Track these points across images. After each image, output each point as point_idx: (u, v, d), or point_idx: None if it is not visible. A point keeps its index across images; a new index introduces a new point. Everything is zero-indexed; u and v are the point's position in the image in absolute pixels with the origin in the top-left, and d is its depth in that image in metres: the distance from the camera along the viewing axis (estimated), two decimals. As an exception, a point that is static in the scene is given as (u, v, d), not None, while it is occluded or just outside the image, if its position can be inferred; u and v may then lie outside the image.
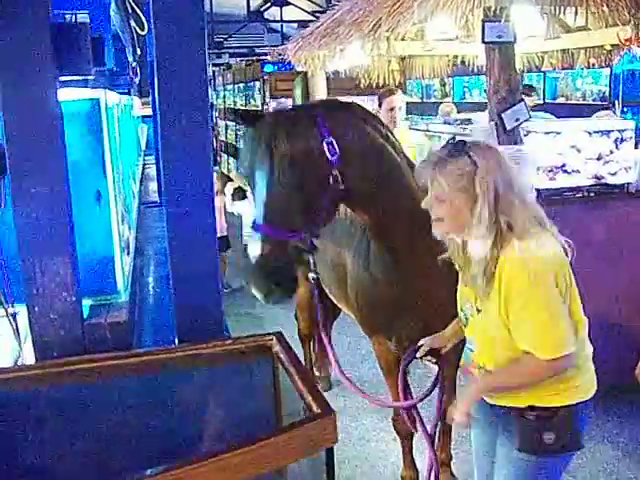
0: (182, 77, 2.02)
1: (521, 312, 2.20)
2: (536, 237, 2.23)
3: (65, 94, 2.02)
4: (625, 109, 8.55)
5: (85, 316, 2.10)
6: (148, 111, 9.64)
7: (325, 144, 2.56)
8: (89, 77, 2.13)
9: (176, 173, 2.02)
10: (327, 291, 3.96)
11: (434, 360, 2.73)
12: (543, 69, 10.00)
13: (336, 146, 2.58)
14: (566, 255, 2.34)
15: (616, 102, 8.53)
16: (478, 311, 2.34)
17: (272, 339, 1.96)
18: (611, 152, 4.83)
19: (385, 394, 4.49)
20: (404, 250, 2.88)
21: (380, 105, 5.55)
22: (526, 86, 9.07)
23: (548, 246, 2.25)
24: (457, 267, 2.45)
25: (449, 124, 6.87)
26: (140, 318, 2.30)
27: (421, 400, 2.85)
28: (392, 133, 3.01)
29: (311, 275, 2.78)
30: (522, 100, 4.91)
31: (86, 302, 2.10)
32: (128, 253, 2.53)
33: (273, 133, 2.46)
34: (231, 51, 21.90)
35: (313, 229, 2.59)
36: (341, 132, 2.65)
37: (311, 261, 2.72)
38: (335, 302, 3.94)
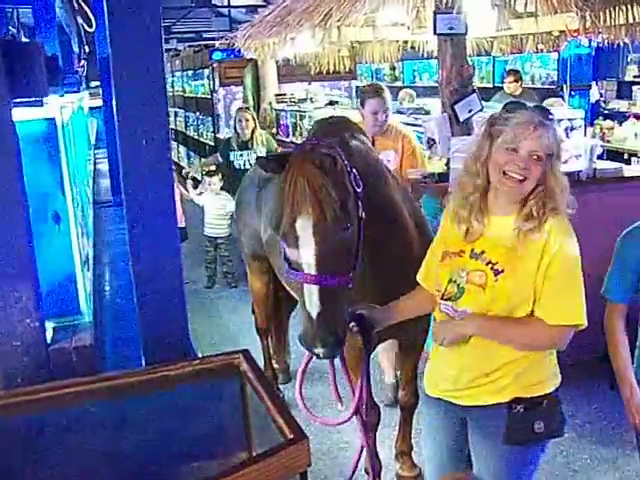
0: (139, 71, 1.99)
1: (565, 276, 2.37)
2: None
3: (19, 114, 1.97)
4: (572, 93, 8.70)
5: (49, 341, 2.07)
6: (97, 102, 9.44)
7: (353, 178, 2.54)
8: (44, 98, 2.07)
9: (136, 182, 1.99)
10: (284, 283, 3.97)
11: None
12: (492, 54, 10.10)
13: (357, 176, 2.57)
14: None
15: (564, 86, 8.66)
16: (497, 273, 2.36)
17: (239, 357, 1.96)
18: (562, 140, 4.91)
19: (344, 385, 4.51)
20: (379, 249, 2.89)
21: (363, 105, 4.77)
22: (512, 71, 9.15)
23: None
24: (462, 233, 2.46)
25: (402, 113, 6.92)
26: (104, 337, 2.27)
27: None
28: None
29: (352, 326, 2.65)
30: (474, 91, 4.96)
31: (48, 324, 2.06)
32: (88, 268, 2.49)
33: (313, 182, 2.37)
34: (179, 36, 21.60)
35: (356, 267, 2.56)
36: (355, 160, 2.66)
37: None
38: (295, 296, 3.95)
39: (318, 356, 2.43)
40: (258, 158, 2.63)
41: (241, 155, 6.89)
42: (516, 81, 8.62)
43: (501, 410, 2.40)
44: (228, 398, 1.98)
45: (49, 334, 2.11)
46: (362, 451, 2.84)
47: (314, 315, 2.36)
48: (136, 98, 2.02)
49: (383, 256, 2.93)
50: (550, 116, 2.34)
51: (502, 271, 2.34)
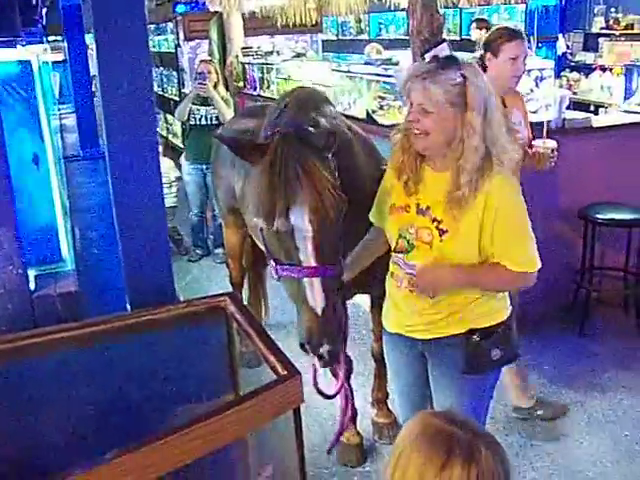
0: (120, 24, 1.95)
1: (514, 230, 2.38)
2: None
3: (-5, 56, 1.92)
4: (540, 44, 8.70)
5: (32, 288, 2.05)
6: (60, 57, 9.23)
7: (333, 164, 2.42)
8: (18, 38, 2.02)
9: (119, 128, 1.96)
10: (254, 238, 3.96)
11: None
12: (460, 6, 10.04)
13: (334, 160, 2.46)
14: None
15: (531, 38, 8.65)
16: (442, 233, 2.36)
17: (225, 300, 1.96)
18: (532, 90, 4.94)
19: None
20: (351, 224, 2.84)
21: (494, 54, 3.74)
22: (479, 19, 9.11)
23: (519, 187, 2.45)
24: (402, 184, 2.46)
25: (371, 64, 6.87)
26: (88, 285, 2.26)
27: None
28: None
29: None
30: (445, 41, 4.93)
31: (30, 272, 2.04)
32: (68, 216, 2.47)
33: (306, 166, 2.26)
34: (140, -11, 21.03)
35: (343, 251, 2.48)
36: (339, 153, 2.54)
37: None
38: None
39: (323, 358, 2.27)
40: (230, 142, 2.46)
41: (198, 110, 6.66)
42: (480, 29, 8.63)
43: (458, 341, 2.47)
44: (215, 341, 1.99)
45: (32, 282, 2.09)
46: (346, 413, 2.87)
47: (319, 311, 2.23)
48: (119, 41, 1.98)
49: (355, 232, 2.78)
50: (454, 67, 2.26)
51: (447, 231, 2.36)
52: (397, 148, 2.47)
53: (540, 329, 5.10)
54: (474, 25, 8.89)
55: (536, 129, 4.32)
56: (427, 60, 2.31)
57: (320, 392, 2.54)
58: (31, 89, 2.27)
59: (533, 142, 4.11)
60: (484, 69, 3.72)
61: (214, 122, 6.51)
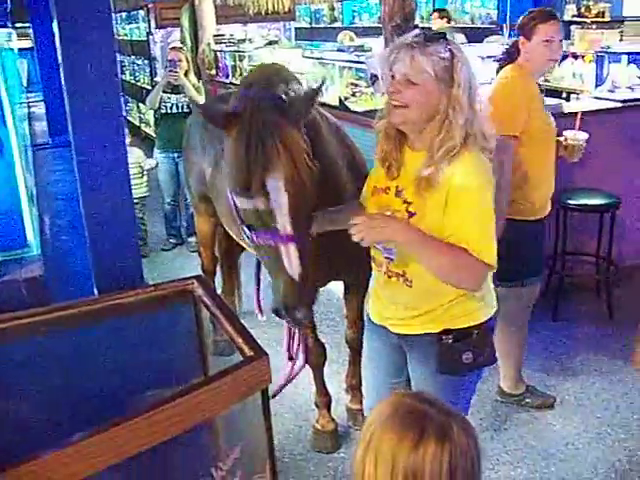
0: (84, 9, 1.91)
1: (476, 211, 2.25)
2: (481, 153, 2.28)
3: (-47, 38, 1.88)
4: (512, 32, 8.73)
5: (-3, 273, 2.02)
6: (27, 43, 9.08)
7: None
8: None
9: (84, 114, 1.93)
10: (225, 226, 3.95)
11: None
12: (432, -7, 10.07)
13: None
14: None
15: (504, 25, 8.70)
16: (411, 215, 2.31)
17: (193, 283, 1.94)
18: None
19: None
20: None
21: (527, 36, 3.53)
22: (438, 9, 9.14)
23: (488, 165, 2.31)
24: (385, 169, 2.41)
25: (343, 51, 6.86)
26: (55, 270, 2.22)
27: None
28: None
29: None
30: (416, 27, 4.93)
31: (-5, 258, 2.01)
32: (34, 205, 2.42)
33: (281, 134, 2.24)
34: (110, -23, 20.79)
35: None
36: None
37: None
38: (236, 238, 3.93)
39: (298, 322, 2.34)
40: (204, 109, 2.44)
41: (169, 97, 6.60)
42: (441, 18, 8.68)
43: (432, 340, 2.41)
44: (183, 324, 1.97)
45: (-4, 267, 2.06)
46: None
47: (296, 277, 2.24)
48: (82, 27, 1.94)
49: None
50: (442, 41, 2.20)
51: (414, 213, 2.30)
52: (381, 137, 2.41)
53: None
54: (435, 15, 8.95)
55: (568, 120, 4.33)
56: (413, 33, 2.24)
57: (291, 357, 2.58)
58: (-8, 70, 2.23)
59: (564, 132, 4.09)
60: (517, 55, 3.64)
61: (185, 110, 6.46)
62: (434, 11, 9.19)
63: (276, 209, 2.23)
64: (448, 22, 8.72)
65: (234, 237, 3.87)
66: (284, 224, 2.24)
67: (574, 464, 3.57)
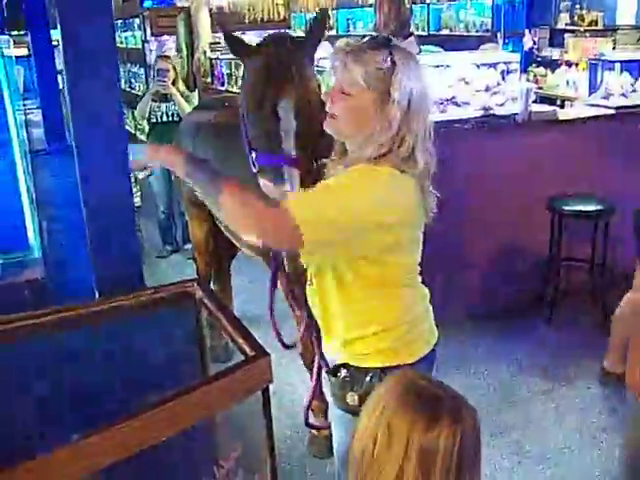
0: (86, 16, 1.93)
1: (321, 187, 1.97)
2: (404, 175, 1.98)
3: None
4: (507, 40, 8.79)
5: (-1, 276, 2.03)
6: (23, 51, 9.08)
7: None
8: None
9: (86, 120, 1.95)
10: (224, 230, 3.97)
11: None
12: (427, 1, 10.13)
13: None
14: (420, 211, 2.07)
15: (498, 34, 8.76)
16: None
17: (193, 285, 1.96)
18: (498, 84, 4.99)
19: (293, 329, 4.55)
20: None
21: None
22: None
23: (404, 190, 2.00)
24: None
25: (339, 59, 6.87)
26: (55, 274, 2.24)
27: None
28: None
29: None
30: (412, 34, 4.99)
31: (-4, 261, 2.02)
32: (35, 208, 2.45)
33: (297, 61, 2.44)
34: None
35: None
36: None
37: None
38: (234, 241, 3.95)
39: None
40: (228, 39, 2.60)
41: (159, 107, 6.61)
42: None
43: (331, 373, 2.20)
44: (183, 326, 1.99)
45: (-2, 269, 2.07)
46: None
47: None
48: (85, 35, 1.96)
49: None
50: (384, 48, 1.95)
51: None
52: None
53: (509, 320, 5.17)
54: None
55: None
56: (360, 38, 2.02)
57: (281, 341, 2.50)
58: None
59: None
60: None
61: (175, 119, 6.46)
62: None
63: (284, 131, 2.35)
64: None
65: (230, 237, 3.90)
66: (290, 147, 2.34)
67: (569, 469, 3.59)
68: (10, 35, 10.27)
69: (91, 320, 1.87)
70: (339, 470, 2.36)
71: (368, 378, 2.09)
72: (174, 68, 6.71)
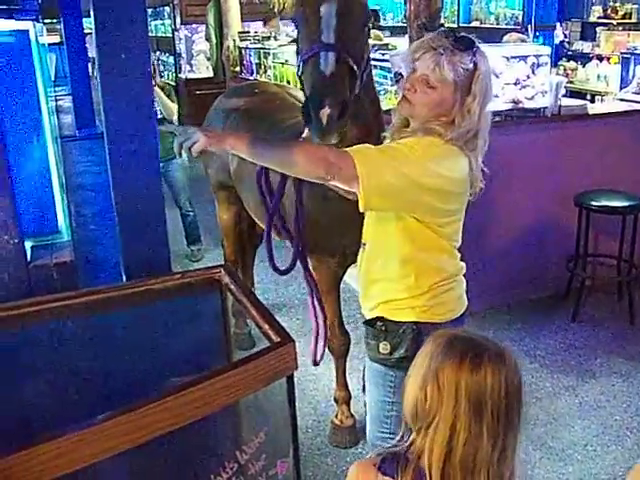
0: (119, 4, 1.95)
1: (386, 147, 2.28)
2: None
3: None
4: (537, 33, 8.70)
5: (29, 258, 2.06)
6: (55, 39, 9.17)
7: None
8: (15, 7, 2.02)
9: (117, 104, 1.96)
10: (252, 215, 3.98)
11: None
12: (458, -7, 10.03)
13: None
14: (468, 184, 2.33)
15: (528, 27, 8.67)
16: None
17: (220, 271, 1.97)
18: (528, 77, 4.94)
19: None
20: None
21: None
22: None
23: (457, 163, 2.26)
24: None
25: (368, 50, 6.86)
26: (84, 257, 2.26)
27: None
28: None
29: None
30: (442, 26, 4.94)
31: (27, 244, 2.04)
32: (66, 190, 2.48)
33: None
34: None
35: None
36: None
37: None
38: (261, 225, 3.95)
39: (324, 128, 2.32)
40: None
41: None
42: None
43: (367, 324, 2.47)
44: (209, 312, 2.00)
45: (28, 252, 2.10)
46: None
47: (328, 73, 2.37)
48: (118, 22, 1.97)
49: None
50: (469, 50, 2.22)
51: None
52: (395, 113, 2.43)
53: (534, 315, 5.14)
54: None
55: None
56: (443, 34, 2.26)
57: (275, 268, 2.76)
58: (28, 59, 2.27)
59: None
60: None
61: (158, 116, 6.18)
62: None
63: (324, 24, 2.43)
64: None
65: (257, 221, 3.92)
66: (330, 35, 2.41)
67: (592, 466, 3.56)
68: (44, 23, 10.38)
69: (118, 303, 1.89)
70: (369, 424, 2.56)
71: (401, 330, 2.36)
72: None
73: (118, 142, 2.00)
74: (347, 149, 2.16)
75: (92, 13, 2.01)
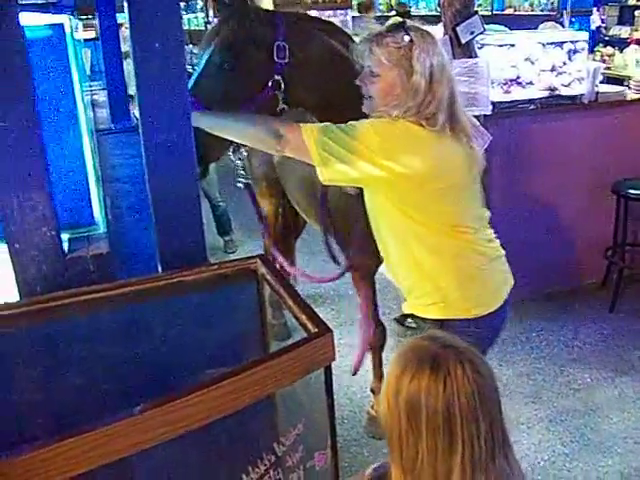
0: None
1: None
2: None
3: (26, 19, 1.93)
4: (573, 19, 8.56)
5: (65, 250, 2.08)
6: (90, 34, 9.24)
7: (275, 46, 2.53)
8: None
9: (152, 96, 1.96)
10: (295, 205, 3.99)
11: None
12: (492, -20, 9.90)
13: (287, 53, 2.55)
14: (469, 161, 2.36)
15: (564, 12, 8.53)
16: None
17: (256, 262, 1.97)
18: (564, 64, 4.88)
19: (350, 308, 4.58)
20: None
21: None
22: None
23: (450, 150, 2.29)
24: None
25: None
26: (120, 248, 2.28)
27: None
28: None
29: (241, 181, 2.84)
30: (476, 13, 4.88)
31: (63, 235, 2.06)
32: (101, 183, 2.50)
33: (226, 17, 2.53)
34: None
35: None
36: (298, 41, 2.61)
37: (239, 164, 2.80)
38: (304, 217, 3.98)
39: None
40: None
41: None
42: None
43: (396, 321, 2.62)
44: (246, 303, 1.99)
45: (65, 244, 2.11)
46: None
47: None
48: (152, 16, 1.97)
49: None
50: (400, 29, 2.25)
51: None
52: None
53: (571, 306, 5.08)
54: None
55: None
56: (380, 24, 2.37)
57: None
58: (63, 52, 2.29)
59: None
60: None
61: None
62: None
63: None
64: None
65: (300, 212, 3.94)
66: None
67: (632, 458, 3.52)
68: (80, 19, 10.48)
69: (154, 294, 1.89)
70: None
71: (428, 327, 2.44)
72: None
73: (153, 134, 1.99)
74: (298, 123, 2.29)
75: (125, 6, 2.01)
